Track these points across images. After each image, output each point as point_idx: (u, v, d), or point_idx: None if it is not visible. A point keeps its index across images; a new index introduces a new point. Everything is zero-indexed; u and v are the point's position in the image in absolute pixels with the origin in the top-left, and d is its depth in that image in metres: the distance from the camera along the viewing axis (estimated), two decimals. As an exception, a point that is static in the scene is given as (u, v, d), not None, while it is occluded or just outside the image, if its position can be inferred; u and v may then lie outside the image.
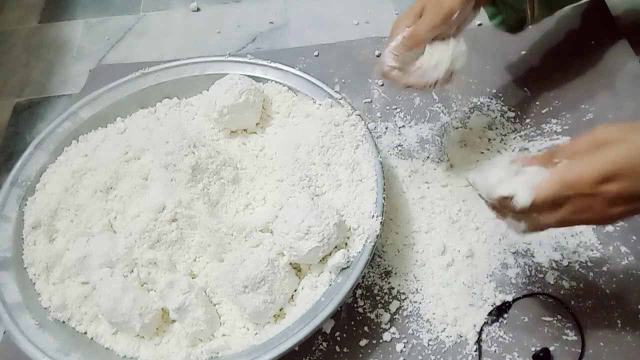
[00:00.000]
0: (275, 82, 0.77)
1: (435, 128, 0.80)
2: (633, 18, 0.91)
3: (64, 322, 0.64)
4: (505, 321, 0.63)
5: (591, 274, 0.65)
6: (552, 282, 0.65)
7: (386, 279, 0.67)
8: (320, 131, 0.69)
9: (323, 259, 0.62)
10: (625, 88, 0.81)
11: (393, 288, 0.67)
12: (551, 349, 0.61)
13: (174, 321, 0.63)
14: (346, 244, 0.63)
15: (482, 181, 0.52)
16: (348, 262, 0.61)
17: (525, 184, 0.48)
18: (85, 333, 0.64)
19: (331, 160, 0.68)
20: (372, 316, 0.65)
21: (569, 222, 0.49)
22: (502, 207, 0.51)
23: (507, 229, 0.67)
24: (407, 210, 0.72)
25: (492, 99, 0.83)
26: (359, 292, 0.67)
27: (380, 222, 0.63)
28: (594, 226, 0.69)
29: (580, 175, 0.46)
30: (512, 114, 0.80)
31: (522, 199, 0.48)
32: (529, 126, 0.79)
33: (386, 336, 0.64)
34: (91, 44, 1.01)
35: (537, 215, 0.49)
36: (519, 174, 0.50)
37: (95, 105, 0.78)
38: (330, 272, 0.62)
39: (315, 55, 0.92)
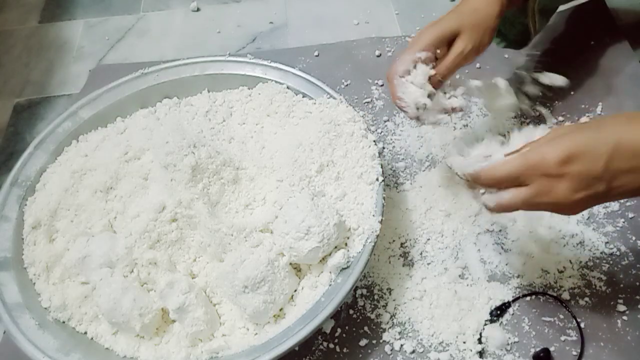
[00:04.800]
0: (275, 82, 0.77)
1: (435, 128, 0.80)
2: (633, 18, 0.91)
3: (64, 322, 0.64)
4: (505, 321, 0.63)
5: (591, 274, 0.65)
6: (552, 282, 0.65)
7: (386, 279, 0.67)
8: (320, 131, 0.69)
9: (323, 259, 0.62)
10: (625, 88, 0.81)
11: (393, 289, 0.67)
12: (551, 349, 0.61)
13: (174, 321, 0.63)
14: (346, 244, 0.63)
15: (458, 162, 0.56)
16: (348, 262, 0.61)
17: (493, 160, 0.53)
18: (85, 333, 0.64)
19: (331, 160, 0.68)
20: (372, 316, 0.65)
21: (535, 205, 0.50)
22: (475, 183, 0.54)
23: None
24: (407, 210, 0.72)
25: (492, 98, 0.83)
26: (359, 292, 0.67)
27: (380, 222, 0.63)
28: (592, 225, 0.69)
29: (543, 156, 0.48)
30: (511, 114, 0.80)
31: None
32: (529, 126, 0.79)
33: (386, 336, 0.64)
34: (91, 44, 1.01)
35: (503, 192, 0.51)
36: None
37: (95, 105, 0.78)
38: (330, 272, 0.62)
39: (315, 55, 0.92)
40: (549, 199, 0.49)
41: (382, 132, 0.81)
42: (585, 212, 0.70)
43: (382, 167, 0.66)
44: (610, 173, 0.47)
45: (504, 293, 0.65)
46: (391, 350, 0.63)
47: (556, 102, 0.81)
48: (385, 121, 0.82)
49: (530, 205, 0.50)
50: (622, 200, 0.70)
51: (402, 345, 0.63)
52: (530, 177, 0.49)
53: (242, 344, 0.61)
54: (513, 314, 0.64)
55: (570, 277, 0.65)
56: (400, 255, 0.69)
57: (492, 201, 0.52)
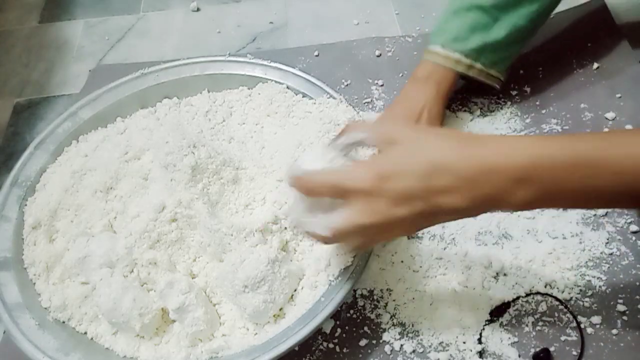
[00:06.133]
0: (275, 82, 0.77)
1: (435, 128, 0.80)
2: (633, 18, 0.91)
3: (64, 322, 0.64)
4: (505, 321, 0.63)
5: (591, 273, 0.65)
6: (552, 282, 0.65)
7: (386, 280, 0.67)
8: (320, 131, 0.69)
9: (323, 259, 0.62)
10: (625, 88, 0.81)
11: (393, 289, 0.67)
12: (551, 349, 0.61)
13: (174, 321, 0.63)
14: (346, 244, 0.63)
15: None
16: (348, 262, 0.61)
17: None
18: (85, 333, 0.64)
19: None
20: (372, 316, 0.65)
21: (358, 223, 0.50)
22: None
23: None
24: (407, 210, 0.72)
25: (492, 98, 0.83)
26: (359, 292, 0.67)
27: (380, 222, 0.62)
28: (592, 225, 0.69)
29: (359, 177, 0.49)
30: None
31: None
32: (529, 126, 0.79)
33: (386, 336, 0.64)
34: (91, 44, 1.01)
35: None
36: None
37: (95, 105, 0.78)
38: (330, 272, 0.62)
39: (315, 55, 0.92)
40: (373, 218, 0.49)
41: (382, 132, 0.81)
42: (586, 212, 0.70)
43: (382, 167, 0.66)
44: (426, 192, 0.47)
45: (504, 293, 0.65)
46: (391, 350, 0.63)
47: (555, 102, 0.81)
48: (385, 121, 0.82)
49: (351, 222, 0.50)
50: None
51: (402, 345, 0.63)
52: (347, 193, 0.50)
53: (242, 344, 0.61)
54: (513, 314, 0.64)
55: (570, 277, 0.65)
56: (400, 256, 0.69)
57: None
